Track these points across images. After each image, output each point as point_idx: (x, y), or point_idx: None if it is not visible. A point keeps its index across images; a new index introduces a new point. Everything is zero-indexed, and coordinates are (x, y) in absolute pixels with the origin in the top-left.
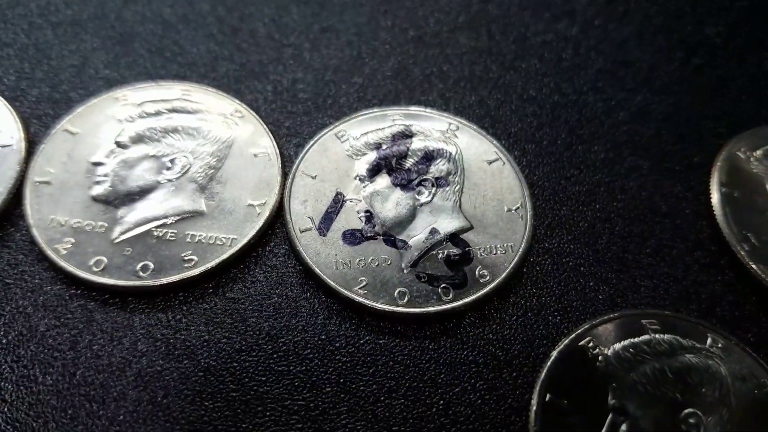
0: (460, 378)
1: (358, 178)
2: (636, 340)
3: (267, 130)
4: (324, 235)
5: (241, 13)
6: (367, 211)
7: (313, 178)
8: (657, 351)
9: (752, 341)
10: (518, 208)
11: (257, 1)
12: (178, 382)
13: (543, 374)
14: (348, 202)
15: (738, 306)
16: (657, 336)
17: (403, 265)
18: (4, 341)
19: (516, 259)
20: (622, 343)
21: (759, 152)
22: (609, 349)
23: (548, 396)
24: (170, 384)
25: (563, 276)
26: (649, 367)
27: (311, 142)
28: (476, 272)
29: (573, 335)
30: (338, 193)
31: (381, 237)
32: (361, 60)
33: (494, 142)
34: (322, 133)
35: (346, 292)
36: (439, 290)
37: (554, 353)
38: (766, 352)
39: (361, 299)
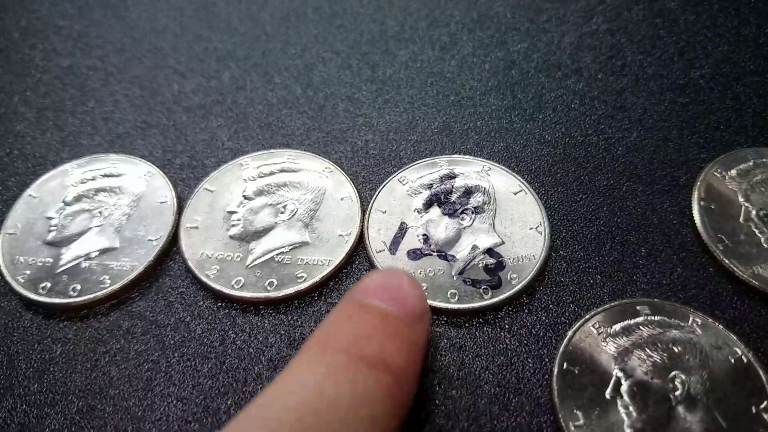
0: (502, 354)
1: (416, 210)
2: (632, 320)
3: (349, 179)
4: (394, 254)
5: (325, 93)
6: (424, 235)
7: (384, 212)
8: (649, 328)
9: (727, 320)
10: (538, 226)
11: (336, 83)
12: None
13: (561, 349)
14: (410, 228)
15: (716, 294)
16: (649, 317)
17: (452, 273)
18: (171, 342)
19: (538, 264)
20: (621, 323)
21: (733, 172)
22: (611, 328)
23: (565, 365)
24: None
25: (575, 276)
26: (643, 340)
27: (381, 186)
28: (508, 276)
29: (583, 319)
30: (402, 223)
31: (435, 253)
32: (415, 122)
33: (518, 177)
34: (389, 179)
35: None
36: (481, 290)
37: (569, 332)
38: (737, 328)
39: None
